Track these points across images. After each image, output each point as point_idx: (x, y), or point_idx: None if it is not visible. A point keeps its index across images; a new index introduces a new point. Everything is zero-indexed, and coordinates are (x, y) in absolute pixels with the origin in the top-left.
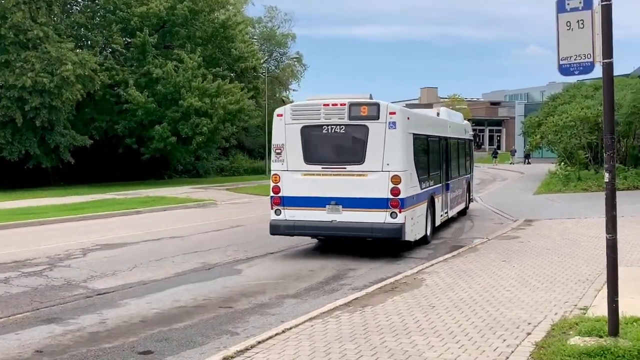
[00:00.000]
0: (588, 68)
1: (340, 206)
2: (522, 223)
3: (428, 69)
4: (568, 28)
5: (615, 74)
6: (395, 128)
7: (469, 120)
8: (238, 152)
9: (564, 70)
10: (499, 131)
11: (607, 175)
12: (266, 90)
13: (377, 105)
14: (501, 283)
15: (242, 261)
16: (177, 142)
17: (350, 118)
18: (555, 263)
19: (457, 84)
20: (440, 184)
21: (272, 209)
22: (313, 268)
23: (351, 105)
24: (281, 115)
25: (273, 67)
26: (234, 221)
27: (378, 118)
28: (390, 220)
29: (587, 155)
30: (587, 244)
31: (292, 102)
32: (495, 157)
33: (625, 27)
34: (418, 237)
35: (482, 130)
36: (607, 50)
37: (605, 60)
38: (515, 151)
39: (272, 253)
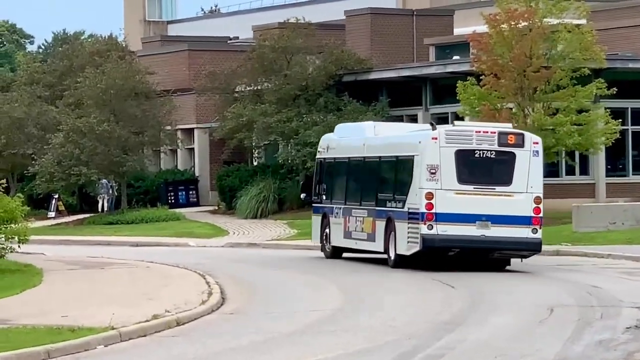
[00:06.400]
0: None
1: (489, 222)
2: None
3: None
4: None
5: None
6: (538, 156)
7: None
8: None
9: None
10: None
11: None
12: None
13: (523, 135)
14: None
15: None
16: None
17: (500, 145)
18: None
19: None
20: None
21: (424, 224)
22: None
23: (500, 133)
24: (436, 138)
25: None
26: None
27: (523, 146)
28: (532, 235)
29: None
30: None
31: None
32: None
33: None
34: None
35: None
36: None
37: None
38: None
39: None
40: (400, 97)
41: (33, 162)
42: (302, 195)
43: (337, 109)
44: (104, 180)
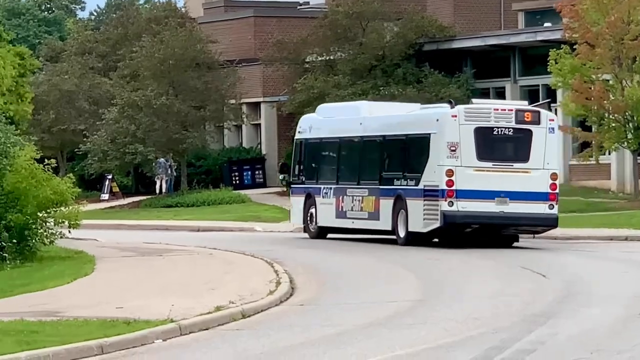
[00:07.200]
0: None
1: (507, 198)
2: None
3: None
4: None
5: None
6: (553, 133)
7: None
8: None
9: None
10: None
11: None
12: None
13: (539, 112)
14: None
15: None
16: None
17: (517, 122)
18: None
19: None
20: None
21: (444, 200)
22: None
23: (517, 111)
24: (455, 116)
25: None
26: None
27: (539, 123)
28: (548, 211)
29: None
30: None
31: None
32: None
33: None
34: None
35: None
36: None
37: None
38: None
39: None
40: (486, 68)
41: (84, 139)
42: (281, 177)
43: (417, 80)
44: (162, 159)
